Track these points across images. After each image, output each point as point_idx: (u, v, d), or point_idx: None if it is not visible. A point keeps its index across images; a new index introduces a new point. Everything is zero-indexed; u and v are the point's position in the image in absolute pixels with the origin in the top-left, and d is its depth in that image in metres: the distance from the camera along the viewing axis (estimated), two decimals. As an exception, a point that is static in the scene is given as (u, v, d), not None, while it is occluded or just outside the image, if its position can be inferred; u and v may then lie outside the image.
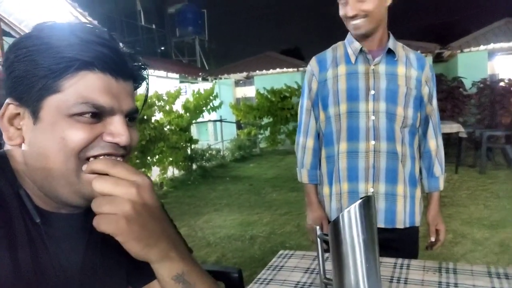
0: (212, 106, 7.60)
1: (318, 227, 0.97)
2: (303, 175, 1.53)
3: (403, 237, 1.40)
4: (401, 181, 1.37)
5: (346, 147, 1.39)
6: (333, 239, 0.88)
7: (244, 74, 12.78)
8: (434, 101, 1.43)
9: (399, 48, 1.39)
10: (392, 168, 1.36)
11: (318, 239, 0.97)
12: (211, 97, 7.47)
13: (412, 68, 1.38)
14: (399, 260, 1.18)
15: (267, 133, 9.96)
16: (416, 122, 1.40)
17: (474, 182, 5.21)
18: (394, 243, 1.37)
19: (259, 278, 1.15)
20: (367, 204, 0.85)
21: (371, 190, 1.37)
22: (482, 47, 9.83)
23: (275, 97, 9.73)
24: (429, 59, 6.98)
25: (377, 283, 0.88)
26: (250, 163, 8.47)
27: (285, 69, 12.10)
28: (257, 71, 12.32)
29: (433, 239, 1.47)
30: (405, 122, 1.36)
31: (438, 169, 1.45)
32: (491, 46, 9.83)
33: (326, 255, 1.00)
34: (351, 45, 1.40)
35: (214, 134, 13.54)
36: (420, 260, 1.19)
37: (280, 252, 1.34)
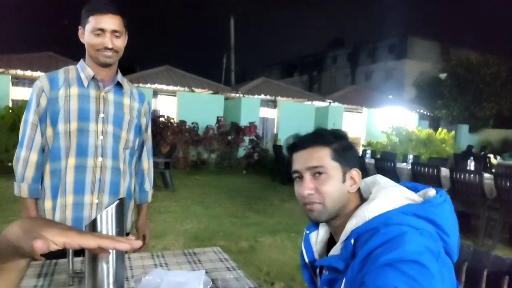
0: None
1: (71, 228, 1.12)
2: (23, 190, 1.51)
3: None
4: (121, 193, 1.62)
5: (74, 162, 1.51)
6: (91, 235, 1.07)
7: None
8: (149, 130, 1.79)
9: (125, 82, 1.68)
10: (115, 182, 1.59)
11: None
12: None
13: (135, 101, 1.68)
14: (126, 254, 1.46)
15: None
16: (135, 145, 1.70)
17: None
18: None
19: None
20: (121, 204, 1.11)
21: (96, 201, 1.54)
22: (148, 85, 11.45)
23: None
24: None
25: (123, 268, 1.14)
26: None
27: None
28: None
29: (141, 243, 1.78)
30: (127, 144, 1.64)
31: (148, 185, 1.80)
32: (155, 86, 11.64)
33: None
34: (85, 70, 1.56)
35: None
36: (137, 253, 1.52)
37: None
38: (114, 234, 1.09)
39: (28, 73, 10.41)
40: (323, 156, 1.01)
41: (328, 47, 46.06)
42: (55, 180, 1.53)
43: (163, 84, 11.73)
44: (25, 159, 1.52)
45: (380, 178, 1.05)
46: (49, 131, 1.53)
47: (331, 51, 44.36)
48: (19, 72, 10.40)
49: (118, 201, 1.11)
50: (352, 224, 0.96)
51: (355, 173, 1.03)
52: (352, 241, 0.93)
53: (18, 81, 10.70)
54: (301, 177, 1.03)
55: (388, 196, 0.96)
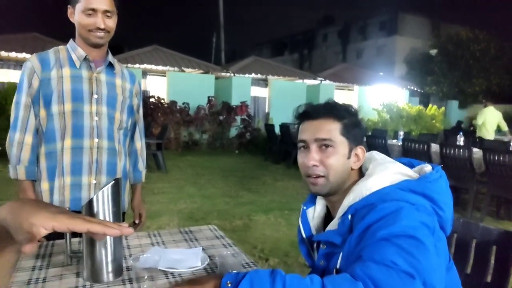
0: None
1: (67, 208, 1.13)
2: (20, 172, 1.50)
3: None
4: (118, 173, 1.63)
5: (70, 143, 1.50)
6: (87, 214, 1.07)
7: None
8: (141, 111, 1.79)
9: (116, 63, 1.66)
10: (112, 162, 1.60)
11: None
12: None
13: (126, 81, 1.67)
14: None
15: None
16: (128, 125, 1.70)
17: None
18: None
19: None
20: (117, 184, 1.12)
21: (94, 182, 1.54)
22: (137, 65, 11.27)
23: None
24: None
25: (120, 247, 1.15)
26: None
27: None
28: None
29: (137, 221, 1.79)
30: (121, 125, 1.64)
31: (142, 165, 1.81)
32: (144, 66, 11.46)
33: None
34: (76, 51, 1.54)
35: None
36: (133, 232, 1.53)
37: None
38: (110, 214, 1.10)
39: (13, 54, 10.14)
40: (333, 129, 1.01)
41: (318, 24, 45.57)
42: (51, 161, 1.53)
43: (152, 64, 11.55)
44: (20, 142, 1.51)
45: (376, 154, 1.07)
46: (42, 112, 1.51)
47: (321, 29, 43.90)
48: (4, 53, 10.13)
49: (113, 181, 1.11)
50: (350, 199, 0.97)
51: (360, 150, 1.04)
52: (349, 216, 0.94)
53: (2, 63, 10.43)
54: (306, 147, 1.03)
55: (385, 172, 0.97)
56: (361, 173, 1.06)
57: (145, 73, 11.81)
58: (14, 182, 1.57)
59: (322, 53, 42.32)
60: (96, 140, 1.55)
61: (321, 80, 14.27)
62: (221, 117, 11.01)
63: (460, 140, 5.78)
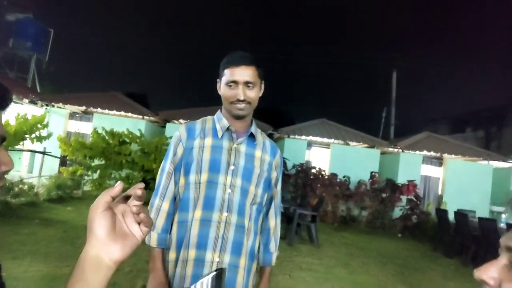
0: (39, 135, 6.68)
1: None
2: (153, 239, 1.49)
3: None
4: (244, 253, 1.47)
5: (200, 214, 1.44)
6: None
7: (83, 108, 11.87)
8: (279, 185, 1.64)
9: (259, 134, 1.59)
10: (239, 240, 1.45)
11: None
12: (39, 125, 6.60)
13: (266, 153, 1.58)
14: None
15: (96, 175, 9.14)
16: (263, 201, 1.56)
17: (282, 253, 5.86)
18: None
19: None
20: (219, 276, 0.93)
21: (217, 260, 1.41)
22: (303, 137, 11.68)
23: (113, 140, 9.13)
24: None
25: None
26: (68, 205, 7.56)
27: (129, 114, 11.77)
28: (99, 108, 11.63)
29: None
30: (255, 200, 1.51)
31: (273, 246, 1.62)
32: (310, 138, 11.80)
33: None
34: (220, 122, 1.54)
35: (29, 166, 11.79)
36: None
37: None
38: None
39: (96, 109, 11.84)
40: None
41: (510, 99, 39.76)
42: (181, 231, 1.48)
43: (317, 136, 11.81)
44: (158, 208, 1.51)
45: None
46: (181, 181, 1.51)
47: (514, 103, 38.08)
48: (91, 109, 11.85)
49: (216, 272, 0.92)
50: None
51: None
52: None
53: (88, 116, 12.21)
54: None
55: None
56: None
57: (310, 144, 12.14)
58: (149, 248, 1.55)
59: (515, 131, 36.27)
60: (225, 214, 1.44)
61: (513, 163, 11.94)
62: (384, 195, 10.19)
63: None
